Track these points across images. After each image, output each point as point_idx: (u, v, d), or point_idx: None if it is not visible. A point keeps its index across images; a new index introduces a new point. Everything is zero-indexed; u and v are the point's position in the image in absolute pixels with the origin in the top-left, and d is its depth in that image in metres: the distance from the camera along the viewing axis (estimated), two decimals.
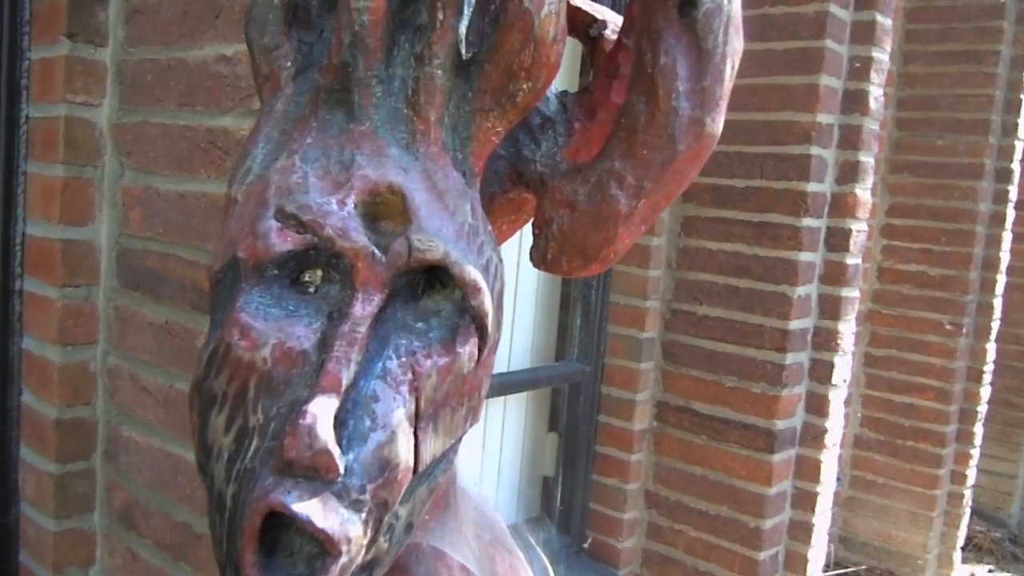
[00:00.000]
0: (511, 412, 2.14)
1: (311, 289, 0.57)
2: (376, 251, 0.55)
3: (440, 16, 0.59)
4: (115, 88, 1.13)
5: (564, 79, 2.07)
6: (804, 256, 1.93)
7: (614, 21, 0.87)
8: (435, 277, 0.58)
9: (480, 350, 0.58)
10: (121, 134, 1.15)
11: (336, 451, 0.50)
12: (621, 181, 0.69)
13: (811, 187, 1.91)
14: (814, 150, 1.91)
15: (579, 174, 0.72)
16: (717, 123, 0.69)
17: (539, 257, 0.73)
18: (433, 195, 0.59)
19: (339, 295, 0.56)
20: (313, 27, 0.66)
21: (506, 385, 2.00)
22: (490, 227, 0.63)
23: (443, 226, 0.58)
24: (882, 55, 1.96)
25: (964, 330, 3.13)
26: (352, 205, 0.57)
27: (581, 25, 0.88)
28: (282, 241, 0.55)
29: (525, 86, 0.62)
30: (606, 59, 0.79)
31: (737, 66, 0.69)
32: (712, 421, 2.09)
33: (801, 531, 2.05)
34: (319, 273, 0.57)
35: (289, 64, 0.65)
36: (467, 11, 0.66)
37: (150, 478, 1.05)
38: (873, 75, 1.94)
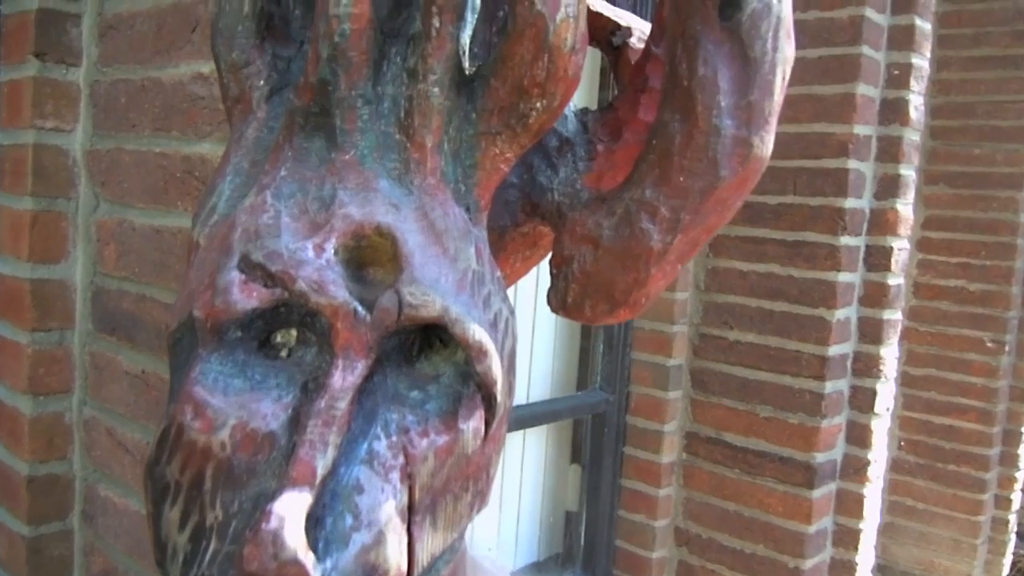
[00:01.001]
0: (531, 445, 2.05)
1: (283, 353, 0.48)
2: (359, 308, 0.46)
3: (436, 23, 0.50)
4: (89, 112, 1.05)
5: (583, 95, 1.97)
6: (843, 277, 1.82)
7: (640, 28, 0.78)
8: (433, 334, 0.49)
9: (488, 424, 0.48)
10: (95, 162, 1.07)
11: (309, 561, 0.41)
12: (653, 213, 0.59)
13: (849, 203, 1.80)
14: (851, 163, 1.80)
15: (603, 204, 0.63)
16: (766, 143, 0.60)
17: (558, 301, 0.63)
18: (430, 237, 0.50)
19: (315, 361, 0.47)
20: (291, 39, 0.57)
21: (525, 419, 1.91)
22: (499, 272, 0.54)
23: (441, 275, 0.48)
24: (922, 61, 1.85)
25: (1007, 348, 3.00)
26: (332, 251, 0.47)
27: (603, 33, 0.78)
28: (246, 297, 0.46)
29: (538, 104, 0.53)
30: (632, 71, 0.69)
31: (788, 76, 0.59)
32: (746, 454, 1.98)
33: (844, 571, 1.94)
34: (292, 333, 0.48)
35: (262, 83, 0.56)
36: (470, 18, 0.56)
37: (129, 544, 0.95)
38: (913, 83, 1.83)
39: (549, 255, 0.67)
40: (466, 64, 0.54)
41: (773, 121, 0.58)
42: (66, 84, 1.00)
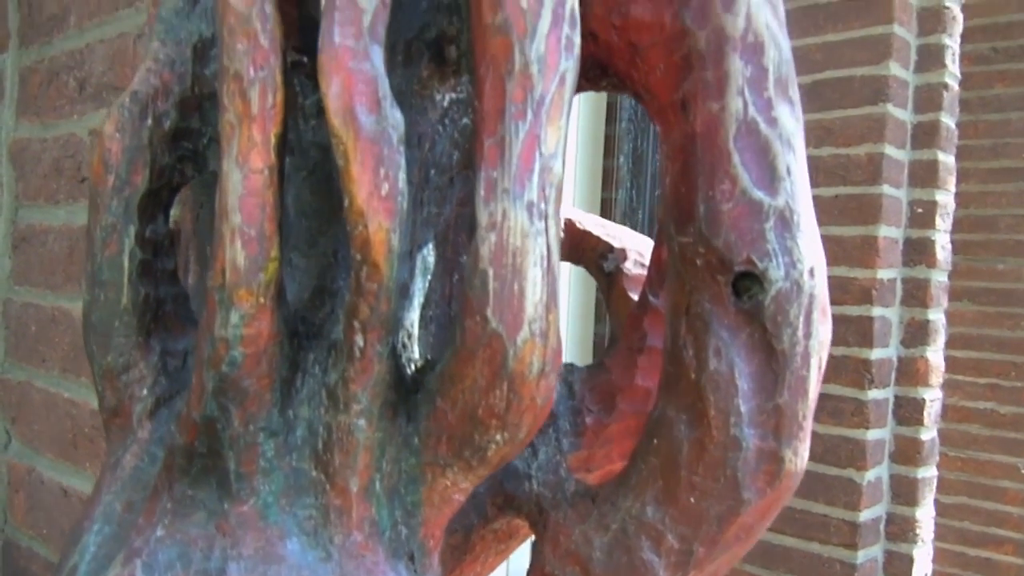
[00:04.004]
0: None
1: None
2: None
3: (359, 342, 0.37)
4: (1, 333, 0.94)
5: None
6: (872, 434, 1.66)
7: (637, 249, 0.66)
8: None
9: None
10: (7, 393, 0.95)
11: None
12: (657, 541, 0.46)
13: (875, 354, 1.66)
14: (876, 311, 1.67)
15: (593, 507, 0.50)
16: (801, 455, 0.46)
17: None
18: None
19: None
20: (188, 325, 0.44)
21: None
22: None
23: None
24: (947, 197, 1.74)
25: None
26: None
27: (592, 255, 0.66)
28: None
29: (498, 437, 0.40)
30: (628, 325, 0.57)
31: (825, 363, 0.47)
32: None
33: None
34: None
35: (145, 392, 0.43)
36: (420, 284, 0.44)
37: None
38: (939, 221, 1.71)
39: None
40: (410, 364, 0.42)
41: (808, 426, 0.45)
42: None
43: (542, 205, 0.37)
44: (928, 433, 1.75)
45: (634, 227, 1.96)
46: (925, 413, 1.73)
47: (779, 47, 0.43)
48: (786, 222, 0.42)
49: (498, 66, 0.38)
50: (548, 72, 0.38)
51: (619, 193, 1.82)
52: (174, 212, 0.47)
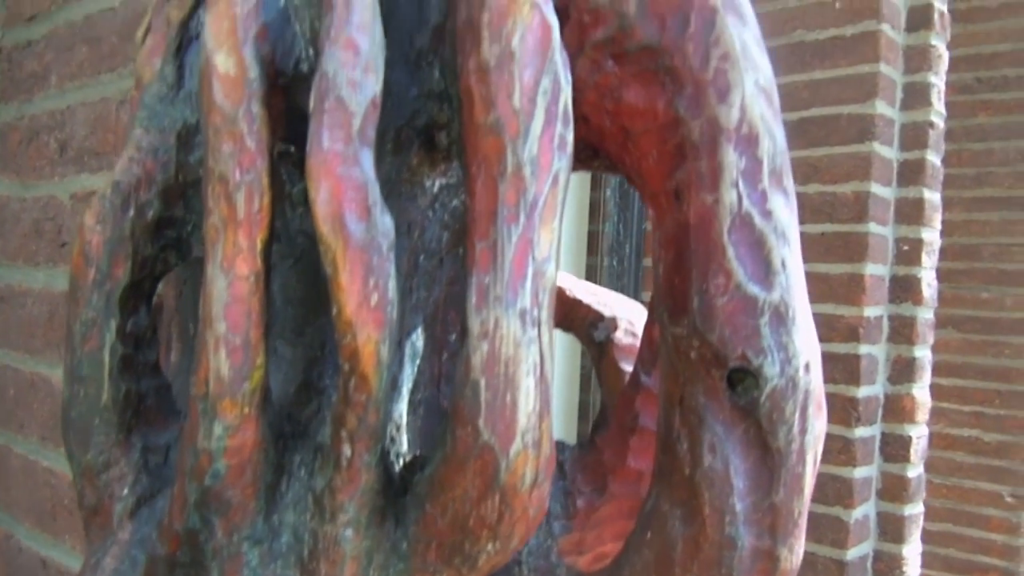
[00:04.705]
0: None
1: None
2: None
3: (347, 452, 0.36)
4: None
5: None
6: (859, 472, 1.66)
7: (627, 318, 0.65)
8: None
9: None
10: None
11: None
12: None
13: (862, 391, 1.66)
14: (863, 348, 1.66)
15: None
16: (796, 552, 0.45)
17: None
18: None
19: None
20: (171, 418, 0.43)
21: None
22: None
23: None
24: (932, 235, 1.74)
25: None
26: None
27: (581, 324, 0.66)
28: None
29: (489, 547, 0.39)
30: (620, 404, 0.56)
31: (820, 456, 0.46)
32: None
33: None
34: None
35: (126, 492, 0.42)
36: (408, 371, 0.43)
37: None
38: (924, 258, 1.71)
39: None
40: (399, 459, 0.41)
41: (803, 522, 0.45)
42: None
43: (535, 312, 0.36)
44: (915, 470, 1.75)
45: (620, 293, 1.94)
46: (912, 450, 1.73)
47: (774, 137, 0.43)
48: (781, 317, 0.42)
49: (490, 167, 0.37)
50: (541, 173, 0.37)
51: (604, 259, 1.82)
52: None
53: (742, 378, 0.43)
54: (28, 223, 0.76)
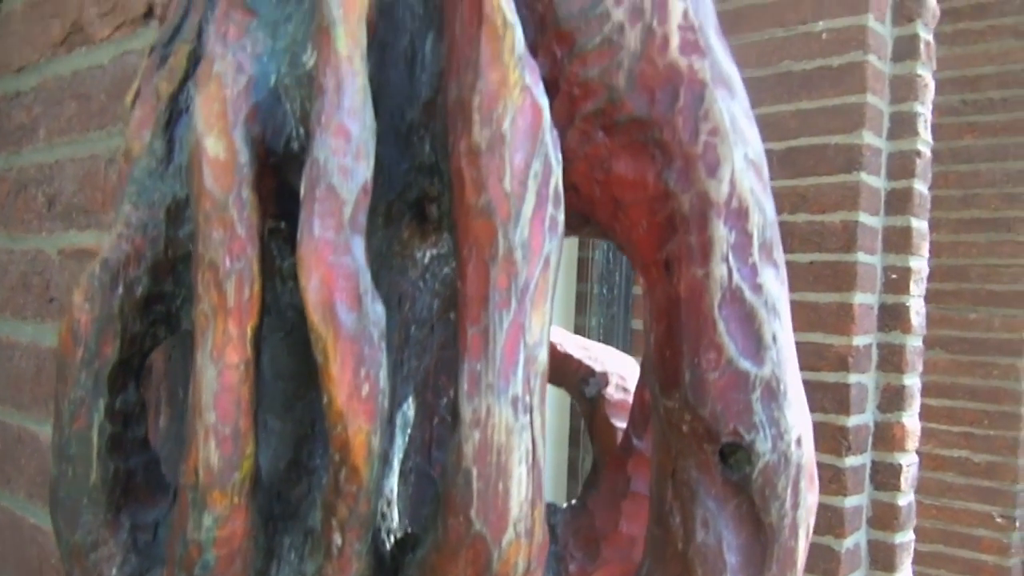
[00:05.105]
0: None
1: None
2: None
3: (337, 540, 0.36)
4: None
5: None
6: (850, 501, 1.66)
7: (619, 373, 0.65)
8: None
9: None
10: None
11: None
12: None
13: (852, 420, 1.66)
14: (852, 377, 1.67)
15: None
16: None
17: None
18: None
19: None
20: (160, 494, 0.43)
21: None
22: None
23: None
24: (920, 263, 1.75)
25: (1017, 523, 2.83)
26: None
27: (573, 380, 0.65)
28: None
29: None
30: (611, 465, 0.56)
31: (812, 526, 0.46)
32: None
33: None
34: None
35: (115, 572, 0.41)
36: (399, 441, 0.43)
37: None
38: (912, 286, 1.72)
39: None
40: (390, 537, 0.41)
41: None
42: None
43: (527, 398, 0.36)
44: (905, 498, 1.75)
45: (610, 321, 1.94)
46: (902, 478, 1.73)
47: (763, 211, 0.43)
48: (772, 392, 0.42)
49: (481, 250, 0.37)
50: (532, 256, 0.37)
51: (593, 319, 1.83)
52: None
53: (734, 451, 0.42)
54: (16, 276, 0.75)
